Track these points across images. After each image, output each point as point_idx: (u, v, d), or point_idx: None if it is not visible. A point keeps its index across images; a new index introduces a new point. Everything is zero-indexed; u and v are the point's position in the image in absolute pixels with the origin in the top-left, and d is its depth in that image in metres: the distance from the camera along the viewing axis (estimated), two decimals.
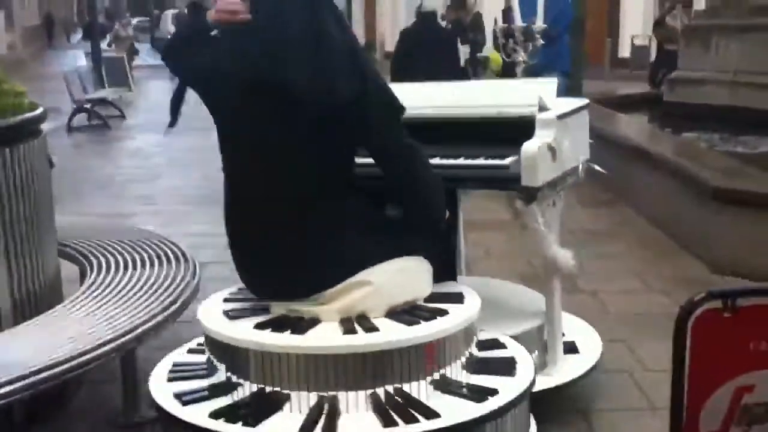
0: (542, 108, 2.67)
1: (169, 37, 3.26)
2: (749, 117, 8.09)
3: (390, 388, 2.19)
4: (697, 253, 4.88)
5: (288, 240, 2.29)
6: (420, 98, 2.68)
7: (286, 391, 2.20)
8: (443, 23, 9.47)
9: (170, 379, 2.49)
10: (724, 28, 8.99)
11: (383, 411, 2.15)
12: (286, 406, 2.20)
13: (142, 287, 3.15)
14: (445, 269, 2.61)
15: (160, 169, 8.50)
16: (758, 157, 6.96)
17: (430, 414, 2.13)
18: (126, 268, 3.39)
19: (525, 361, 2.46)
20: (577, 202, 6.42)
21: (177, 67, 2.55)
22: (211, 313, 2.47)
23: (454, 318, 2.31)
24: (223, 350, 2.35)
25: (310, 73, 2.18)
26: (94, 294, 3.09)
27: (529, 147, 2.55)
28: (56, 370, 2.42)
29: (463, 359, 2.34)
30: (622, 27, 22.33)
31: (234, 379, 2.30)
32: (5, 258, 2.95)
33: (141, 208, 6.63)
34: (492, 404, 2.19)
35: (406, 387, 2.20)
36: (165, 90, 18.05)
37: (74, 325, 2.77)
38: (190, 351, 2.71)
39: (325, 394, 2.18)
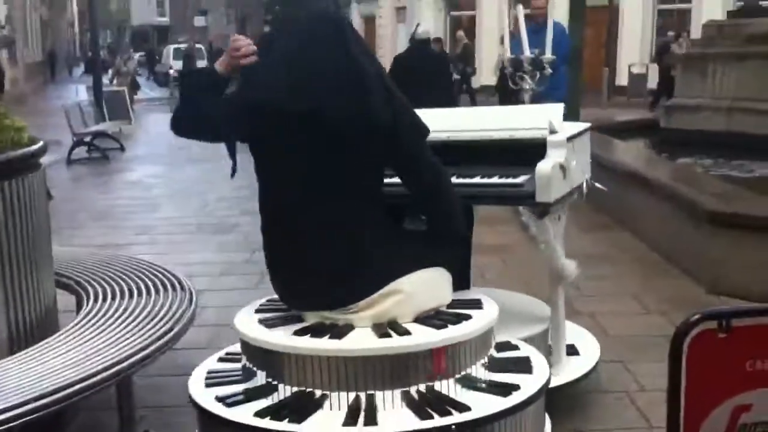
0: (552, 131, 2.90)
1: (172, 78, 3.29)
2: (745, 142, 8.14)
3: (422, 387, 2.37)
4: (694, 275, 4.89)
5: (325, 256, 2.44)
6: (438, 122, 2.82)
7: (325, 392, 2.37)
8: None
9: (208, 385, 2.63)
10: (720, 56, 9.08)
11: (418, 406, 2.33)
12: (326, 405, 2.36)
13: (138, 316, 3.15)
14: (460, 279, 2.79)
15: (157, 200, 8.52)
16: (754, 181, 7.00)
17: (462, 408, 2.32)
18: (122, 296, 3.39)
19: (539, 360, 2.68)
20: (576, 226, 6.43)
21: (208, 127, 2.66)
22: (249, 323, 2.61)
23: (477, 322, 2.51)
24: (262, 356, 2.50)
25: (346, 101, 2.34)
26: (91, 323, 3.09)
27: (543, 166, 2.78)
28: (52, 398, 2.42)
29: (485, 359, 2.53)
30: (620, 56, 22.52)
31: (273, 382, 2.45)
32: (2, 287, 2.97)
33: (138, 238, 6.64)
34: (516, 398, 2.40)
35: (436, 385, 2.39)
36: (164, 123, 18.18)
37: (70, 354, 2.76)
38: (221, 360, 2.85)
39: (362, 393, 2.35)
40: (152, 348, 2.86)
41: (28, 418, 2.33)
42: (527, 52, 5.44)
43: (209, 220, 7.32)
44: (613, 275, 5.14)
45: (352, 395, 2.35)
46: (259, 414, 2.37)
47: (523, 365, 2.62)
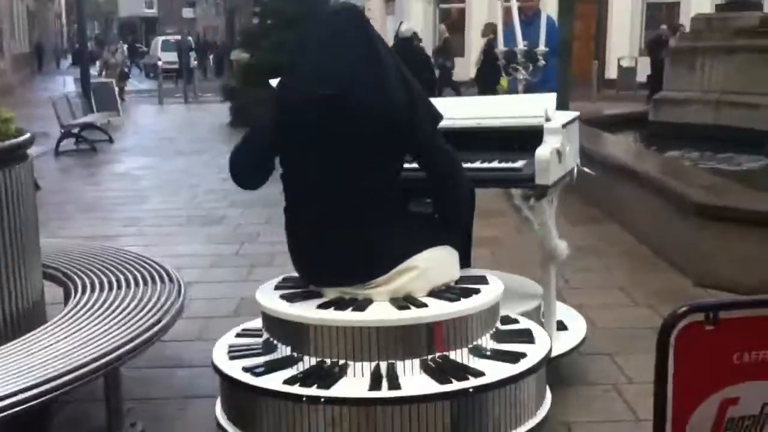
0: (547, 119, 3.10)
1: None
2: (733, 136, 8.18)
3: (437, 356, 2.55)
4: (682, 268, 4.91)
5: (347, 235, 2.63)
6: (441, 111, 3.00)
7: (348, 362, 2.53)
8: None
9: (231, 358, 2.76)
10: (709, 49, 9.11)
11: (436, 373, 2.51)
12: (350, 373, 2.52)
13: (126, 307, 3.14)
14: (463, 258, 2.96)
15: (146, 191, 8.48)
16: (742, 174, 7.03)
17: (477, 373, 2.51)
18: (110, 288, 3.37)
19: (539, 331, 2.90)
20: (565, 219, 6.44)
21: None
22: (271, 298, 2.76)
23: (486, 295, 2.71)
24: (285, 329, 2.66)
25: (369, 86, 2.57)
26: (78, 314, 3.07)
27: (542, 151, 2.98)
28: (39, 390, 2.41)
29: (493, 330, 2.74)
30: (609, 49, 22.56)
31: (295, 354, 2.62)
32: None
33: (126, 230, 6.61)
34: (524, 364, 2.59)
35: (450, 354, 2.57)
36: (152, 114, 18.11)
37: (58, 346, 2.75)
38: (239, 335, 2.98)
39: (383, 362, 2.52)
40: (140, 340, 2.85)
41: (14, 410, 2.32)
42: (521, 45, 5.54)
43: (198, 212, 7.29)
44: (601, 268, 5.16)
45: (373, 364, 2.52)
46: (288, 381, 2.52)
47: (527, 336, 2.81)
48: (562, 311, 3.56)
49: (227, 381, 2.68)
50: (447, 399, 2.42)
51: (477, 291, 2.73)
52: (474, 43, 22.64)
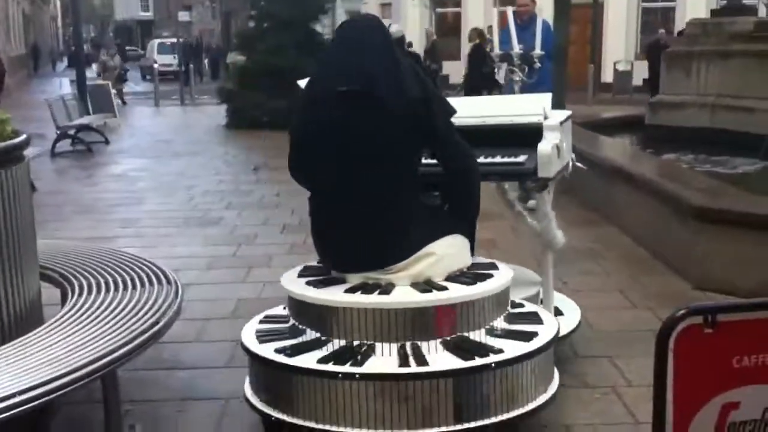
0: (545, 116, 3.33)
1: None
2: (729, 139, 8.20)
3: (456, 336, 2.75)
4: (680, 271, 4.92)
5: (369, 224, 2.84)
6: None
7: (375, 343, 2.71)
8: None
9: (261, 342, 2.91)
10: (704, 53, 9.13)
11: (458, 351, 2.69)
12: (378, 352, 2.70)
13: (123, 309, 3.12)
14: (471, 246, 3.15)
15: (143, 193, 8.46)
16: (738, 177, 7.05)
17: (496, 351, 2.71)
18: (108, 290, 3.36)
19: (546, 314, 3.12)
20: (563, 221, 6.43)
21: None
22: (298, 285, 2.95)
23: (499, 279, 2.92)
24: (313, 313, 2.84)
25: (389, 83, 2.82)
26: (75, 316, 3.06)
27: (544, 147, 3.22)
28: (37, 392, 2.39)
29: (505, 312, 2.95)
30: (605, 53, 22.61)
31: (323, 337, 2.79)
32: None
33: (123, 231, 6.60)
34: (537, 342, 2.80)
35: (469, 335, 2.77)
36: (149, 116, 18.09)
37: (55, 348, 2.74)
38: (262, 322, 3.13)
39: (407, 342, 2.70)
40: (138, 342, 2.83)
41: (12, 412, 2.31)
42: (516, 48, 5.71)
43: (195, 213, 7.28)
44: (599, 270, 5.16)
45: (398, 344, 2.70)
46: (322, 360, 2.69)
47: (535, 318, 3.03)
48: (558, 299, 3.71)
49: (260, 362, 2.82)
50: (472, 374, 2.62)
51: (490, 276, 2.94)
52: (469, 47, 22.69)
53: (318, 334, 2.82)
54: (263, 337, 2.95)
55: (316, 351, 2.76)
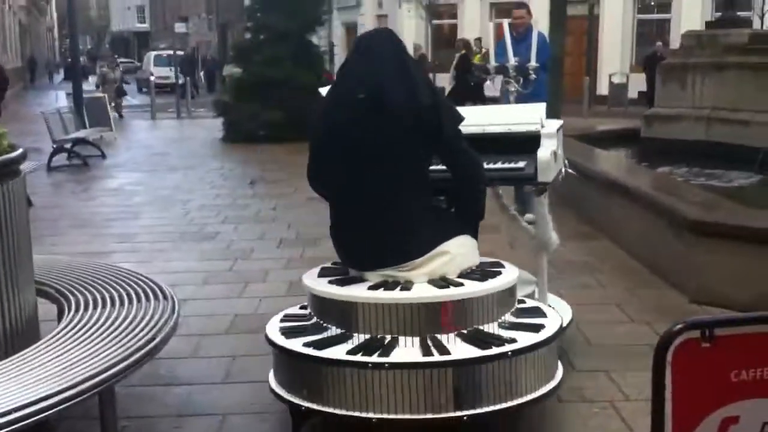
0: (542, 125, 3.55)
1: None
2: (724, 152, 8.22)
3: (471, 328, 2.96)
4: (676, 284, 4.92)
5: (388, 225, 3.04)
6: None
7: (397, 336, 2.90)
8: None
9: (288, 338, 3.05)
10: (699, 66, 9.16)
11: (476, 341, 2.89)
12: (401, 344, 2.89)
13: (120, 325, 3.12)
14: None
15: (139, 207, 8.45)
16: (732, 190, 7.06)
17: (510, 341, 2.92)
18: (104, 305, 3.36)
19: (547, 308, 3.33)
20: (558, 234, 6.45)
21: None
22: (321, 284, 3.13)
23: (507, 277, 3.14)
24: (337, 309, 3.02)
25: (401, 89, 3.04)
26: (72, 332, 3.06)
27: (543, 153, 3.47)
28: (33, 408, 2.39)
29: (513, 307, 3.16)
30: (600, 65, 22.69)
31: (347, 332, 2.97)
32: None
33: (119, 246, 6.58)
34: (546, 333, 3.01)
35: (483, 327, 2.98)
36: (145, 130, 18.09)
37: (51, 364, 2.73)
38: (283, 320, 3.24)
39: (426, 335, 2.89)
40: (134, 358, 2.83)
41: (8, 429, 2.31)
42: (512, 60, 5.81)
43: (191, 228, 7.27)
44: (595, 284, 5.16)
45: (419, 338, 2.89)
46: (350, 352, 2.87)
47: (539, 312, 3.23)
48: (550, 299, 3.86)
49: (290, 356, 2.97)
50: (491, 361, 2.82)
51: (499, 273, 3.15)
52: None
53: (341, 330, 3.00)
54: (288, 333, 3.09)
55: (342, 344, 2.93)
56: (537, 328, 3.04)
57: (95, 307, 3.34)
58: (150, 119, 20.15)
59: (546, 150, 3.49)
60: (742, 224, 4.66)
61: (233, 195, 9.08)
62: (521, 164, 3.50)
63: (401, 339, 2.90)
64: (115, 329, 3.08)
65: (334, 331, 3.03)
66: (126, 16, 75.50)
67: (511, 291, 3.14)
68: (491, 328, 3.00)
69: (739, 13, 10.83)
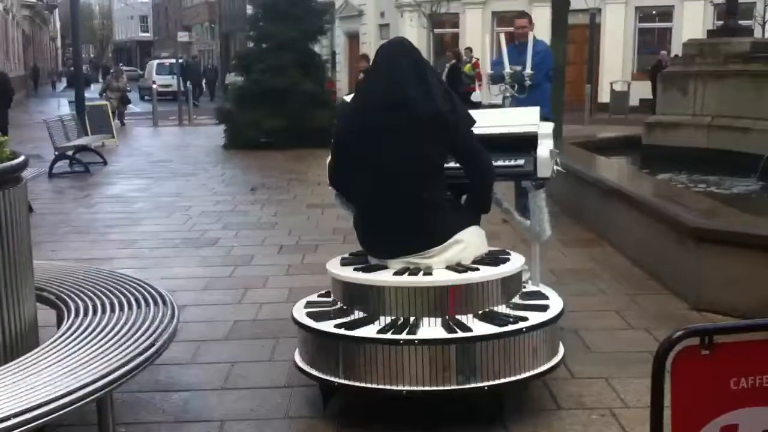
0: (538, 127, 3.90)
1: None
2: (725, 159, 8.22)
3: (486, 309, 3.25)
4: (676, 291, 4.91)
5: (410, 217, 3.33)
6: None
7: (420, 317, 3.18)
8: None
9: (317, 321, 3.30)
10: (700, 74, 9.17)
11: (491, 320, 3.19)
12: (424, 324, 3.17)
13: (120, 331, 3.12)
14: None
15: (139, 214, 8.45)
16: (733, 197, 7.06)
17: (522, 319, 3.23)
18: (104, 311, 3.36)
19: (549, 292, 3.67)
20: (559, 241, 6.45)
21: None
22: (347, 271, 3.41)
23: (514, 263, 3.46)
24: (364, 294, 3.29)
25: (422, 95, 3.33)
26: (71, 338, 3.06)
27: (542, 152, 3.81)
28: (32, 414, 2.39)
29: (521, 290, 3.49)
30: (602, 73, 22.72)
31: (372, 315, 3.24)
32: None
33: (120, 252, 6.57)
34: (551, 313, 3.34)
35: (496, 308, 3.28)
36: (147, 137, 18.12)
37: (50, 370, 2.73)
38: (307, 306, 3.50)
39: (447, 316, 3.18)
40: (133, 364, 2.83)
41: None
42: (507, 68, 6.24)
43: (191, 234, 7.27)
44: (596, 291, 5.15)
45: (439, 319, 3.17)
46: (381, 332, 3.14)
47: (541, 295, 3.58)
48: (541, 288, 4.00)
49: (323, 337, 3.22)
50: (508, 337, 3.13)
51: (507, 259, 3.47)
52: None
53: (365, 313, 3.26)
54: (316, 317, 3.33)
55: (370, 326, 3.19)
56: (543, 308, 3.37)
57: (95, 313, 3.33)
58: (152, 126, 20.19)
59: (545, 149, 3.81)
60: (743, 231, 4.65)
61: (234, 201, 9.08)
62: (521, 162, 3.83)
63: (424, 320, 3.18)
64: (115, 335, 3.07)
65: (358, 314, 3.28)
66: (129, 26, 75.77)
67: (519, 276, 3.47)
68: (503, 308, 3.30)
69: (740, 22, 10.84)
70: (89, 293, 3.60)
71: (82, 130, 13.56)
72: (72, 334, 3.10)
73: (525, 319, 3.23)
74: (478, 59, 22.20)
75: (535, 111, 4.02)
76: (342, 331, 3.17)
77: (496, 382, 3.11)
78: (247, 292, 5.27)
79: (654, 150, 9.34)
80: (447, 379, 3.07)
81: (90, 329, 3.15)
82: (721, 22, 11.99)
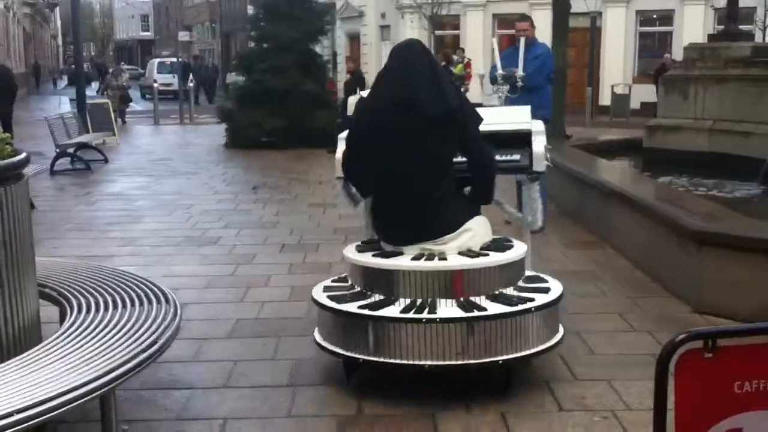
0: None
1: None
2: (726, 163, 8.22)
3: (496, 291, 3.53)
4: (679, 294, 4.91)
5: (425, 206, 3.58)
6: None
7: (437, 299, 3.44)
8: None
9: (339, 303, 3.54)
10: (701, 78, 9.18)
11: (501, 301, 3.48)
12: (442, 305, 3.44)
13: (122, 328, 3.12)
14: None
15: (141, 212, 8.45)
16: (734, 201, 7.06)
17: (529, 300, 3.52)
18: (106, 308, 3.36)
19: (547, 276, 3.91)
20: (560, 243, 6.45)
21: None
22: (365, 257, 3.65)
23: (518, 249, 3.73)
24: (384, 278, 3.54)
25: (432, 94, 3.55)
26: (74, 335, 3.06)
27: (537, 147, 4.14)
28: (34, 411, 2.39)
29: (524, 275, 3.76)
30: (603, 76, 22.73)
31: (390, 297, 3.48)
32: None
33: (121, 250, 6.57)
34: (553, 294, 3.63)
35: (504, 290, 3.56)
36: (148, 135, 18.12)
37: (53, 367, 2.73)
38: (326, 290, 3.73)
39: (461, 298, 3.45)
40: (136, 362, 2.83)
41: (9, 431, 2.30)
42: (500, 70, 6.58)
43: (193, 232, 7.27)
44: (598, 293, 5.15)
45: (453, 300, 3.44)
46: (403, 311, 3.39)
47: (540, 279, 3.84)
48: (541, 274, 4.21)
49: (348, 317, 3.47)
50: (518, 315, 3.41)
51: (512, 246, 3.72)
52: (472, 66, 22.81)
53: (383, 296, 3.51)
54: (337, 300, 3.57)
55: (390, 307, 3.44)
56: (546, 290, 3.65)
57: (97, 310, 3.34)
58: (153, 125, 20.19)
59: (540, 144, 4.14)
60: (745, 235, 4.65)
61: (236, 200, 9.08)
62: (517, 156, 4.14)
63: (440, 301, 3.44)
64: (117, 332, 3.08)
65: (377, 297, 3.52)
66: (130, 24, 75.73)
67: (522, 261, 3.71)
68: (510, 291, 3.58)
69: (741, 27, 10.84)
70: (92, 290, 3.60)
71: (83, 128, 13.56)
72: (75, 331, 3.10)
73: (532, 300, 3.50)
74: (470, 60, 22.26)
75: (526, 110, 4.32)
76: (368, 312, 3.42)
77: (509, 356, 3.40)
78: (249, 290, 5.27)
79: (655, 153, 9.34)
80: (465, 354, 3.35)
81: (93, 326, 3.15)
82: (722, 27, 11.99)
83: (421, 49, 3.76)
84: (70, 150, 12.21)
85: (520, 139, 4.14)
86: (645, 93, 20.08)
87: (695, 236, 4.74)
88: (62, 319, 3.42)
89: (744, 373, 1.83)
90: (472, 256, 3.55)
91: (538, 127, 4.21)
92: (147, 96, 30.66)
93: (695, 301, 4.70)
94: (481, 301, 3.46)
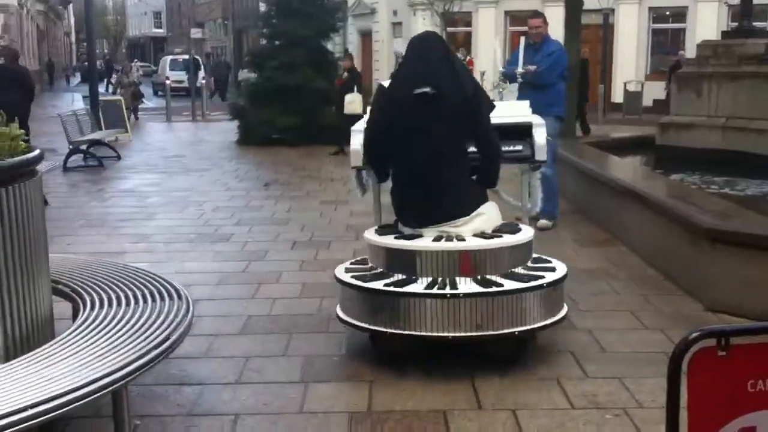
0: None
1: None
2: (739, 160, 8.18)
3: (509, 270, 3.80)
4: (691, 292, 4.89)
5: (443, 190, 3.83)
6: None
7: (456, 278, 3.70)
8: None
9: (365, 282, 3.80)
10: (715, 75, 9.13)
11: (514, 279, 3.74)
12: (461, 282, 3.70)
13: (135, 324, 3.13)
14: None
15: (154, 208, 8.48)
16: (747, 199, 7.02)
17: (539, 278, 3.79)
18: (119, 304, 3.37)
19: (550, 258, 4.14)
20: (573, 241, 6.44)
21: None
22: (387, 239, 3.90)
23: (527, 232, 4.00)
24: (406, 258, 3.79)
25: (450, 84, 3.79)
26: (87, 331, 3.07)
27: (539, 139, 4.42)
28: (47, 406, 2.41)
29: (531, 256, 4.02)
30: (615, 73, 22.63)
31: (411, 276, 3.74)
32: None
33: (134, 246, 6.60)
34: (559, 273, 3.90)
35: (515, 270, 3.83)
36: (161, 132, 18.19)
37: (65, 362, 2.75)
38: (347, 271, 3.97)
39: (479, 276, 3.71)
40: (148, 357, 2.84)
41: (21, 426, 2.32)
42: (500, 68, 6.90)
43: (205, 229, 7.29)
44: (610, 291, 5.13)
45: (473, 278, 3.70)
46: (427, 288, 3.66)
47: (545, 260, 4.08)
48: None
49: (374, 294, 3.72)
50: (531, 291, 3.69)
51: (521, 230, 3.98)
52: (478, 64, 22.77)
53: (405, 275, 3.75)
54: (361, 279, 3.82)
55: (413, 284, 3.70)
56: (552, 269, 3.91)
57: (110, 306, 3.35)
58: (166, 122, 20.25)
59: (541, 136, 4.42)
60: (758, 233, 4.62)
61: (248, 197, 9.10)
62: (519, 147, 4.43)
63: (459, 279, 3.69)
64: (130, 328, 3.09)
65: (398, 276, 3.77)
66: (142, 22, 75.94)
67: (531, 243, 3.97)
68: (521, 270, 3.84)
69: (755, 24, 10.77)
70: (105, 286, 3.62)
71: (96, 125, 13.62)
72: (87, 327, 3.12)
73: (542, 277, 3.76)
74: (471, 58, 22.24)
75: (525, 104, 4.70)
76: (394, 289, 3.68)
77: (523, 328, 3.67)
78: (261, 287, 5.28)
79: (668, 150, 9.31)
80: (485, 326, 3.62)
81: (105, 322, 3.17)
82: (736, 24, 11.93)
83: (437, 41, 4.00)
84: (83, 147, 12.28)
85: (522, 131, 4.43)
86: (658, 90, 19.99)
87: (708, 234, 4.71)
88: (75, 316, 3.44)
89: (757, 372, 1.82)
90: (488, 238, 3.81)
91: (539, 120, 4.51)
92: (159, 93, 30.78)
93: (708, 299, 4.68)
94: (497, 278, 3.70)
